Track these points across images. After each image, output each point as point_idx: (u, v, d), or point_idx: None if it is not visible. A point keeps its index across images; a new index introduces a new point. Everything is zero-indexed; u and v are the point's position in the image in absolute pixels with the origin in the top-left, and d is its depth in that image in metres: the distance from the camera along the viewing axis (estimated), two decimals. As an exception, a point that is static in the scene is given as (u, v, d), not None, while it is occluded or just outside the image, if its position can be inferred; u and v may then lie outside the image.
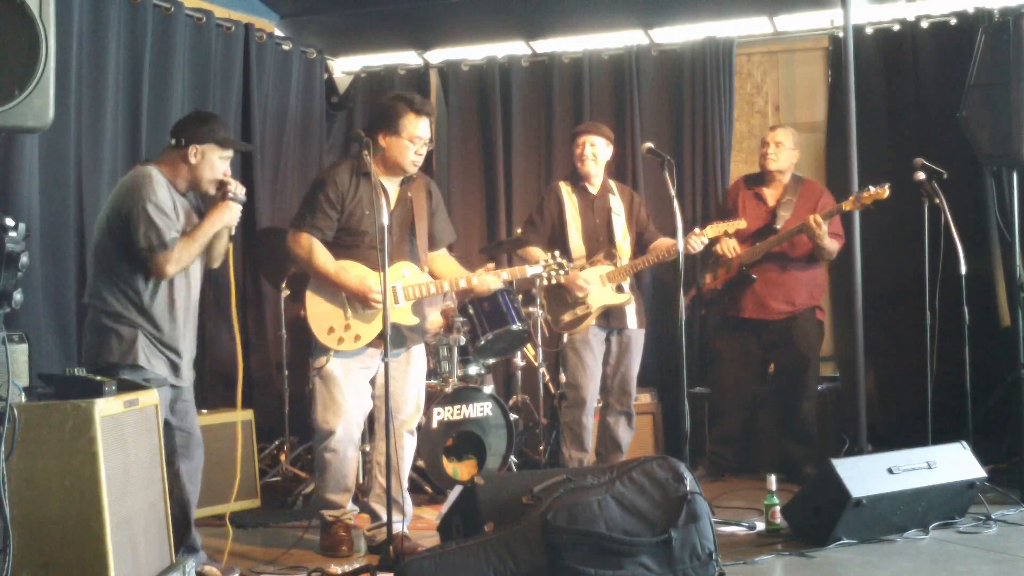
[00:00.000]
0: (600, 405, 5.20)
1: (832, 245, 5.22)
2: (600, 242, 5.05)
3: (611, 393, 5.11)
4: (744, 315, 5.39)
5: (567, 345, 5.07)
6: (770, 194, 5.44)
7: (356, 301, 4.04)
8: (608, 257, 5.01)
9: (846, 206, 5.05)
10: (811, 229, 5.06)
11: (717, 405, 5.61)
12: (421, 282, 4.14)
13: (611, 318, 5.03)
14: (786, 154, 5.39)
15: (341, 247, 4.09)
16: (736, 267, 5.34)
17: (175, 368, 3.65)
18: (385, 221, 3.74)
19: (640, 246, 5.15)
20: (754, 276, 5.30)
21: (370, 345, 4.09)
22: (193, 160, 3.64)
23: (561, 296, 5.02)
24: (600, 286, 4.97)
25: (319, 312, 4.06)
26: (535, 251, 4.95)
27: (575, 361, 5.03)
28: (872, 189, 4.95)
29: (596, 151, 5.03)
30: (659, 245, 5.07)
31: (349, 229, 4.09)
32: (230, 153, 3.74)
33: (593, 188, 5.10)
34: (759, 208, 5.42)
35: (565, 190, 5.13)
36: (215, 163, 3.67)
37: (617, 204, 5.12)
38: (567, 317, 5.02)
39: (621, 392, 5.09)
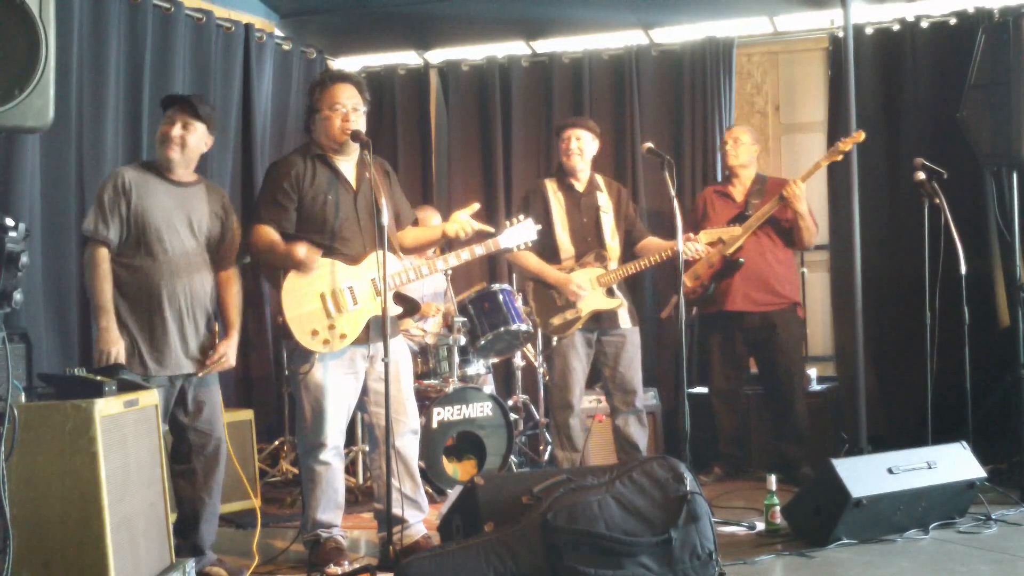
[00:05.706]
0: (609, 409, 5.13)
1: (810, 223, 5.19)
2: (589, 242, 4.92)
3: (614, 395, 5.01)
4: (727, 307, 5.34)
5: (554, 349, 4.98)
6: (736, 192, 5.43)
7: (335, 297, 3.82)
8: (598, 259, 4.90)
9: (823, 161, 5.09)
10: (790, 191, 5.05)
11: (713, 405, 5.59)
12: (398, 269, 3.90)
13: (600, 320, 4.91)
14: (745, 148, 5.39)
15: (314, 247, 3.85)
16: (720, 258, 5.27)
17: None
18: (386, 216, 3.69)
19: (628, 244, 5.05)
20: (742, 260, 5.23)
21: (354, 343, 3.87)
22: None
23: (550, 299, 4.90)
24: (591, 290, 4.86)
25: (300, 315, 3.79)
26: (526, 255, 4.84)
27: (561, 365, 4.92)
28: (846, 138, 5.03)
29: (582, 145, 4.91)
30: (648, 246, 5.00)
31: (313, 218, 3.84)
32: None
33: (580, 184, 4.97)
34: (728, 205, 5.42)
35: (551, 188, 5.00)
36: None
37: (605, 201, 4.99)
38: (556, 321, 4.89)
39: (624, 392, 4.98)
